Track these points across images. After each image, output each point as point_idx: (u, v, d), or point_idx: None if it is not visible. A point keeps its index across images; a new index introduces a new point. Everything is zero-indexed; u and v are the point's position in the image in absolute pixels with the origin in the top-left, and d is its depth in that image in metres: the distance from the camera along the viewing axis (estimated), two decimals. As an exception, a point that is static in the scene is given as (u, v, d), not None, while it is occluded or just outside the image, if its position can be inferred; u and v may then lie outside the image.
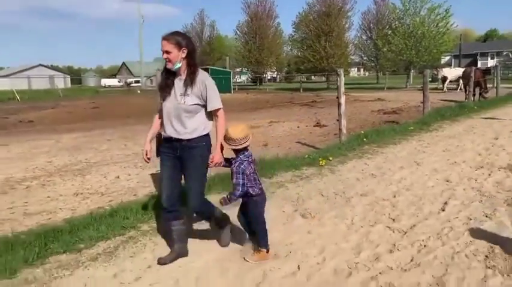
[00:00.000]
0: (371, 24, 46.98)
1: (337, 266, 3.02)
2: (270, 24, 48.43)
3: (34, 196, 5.49)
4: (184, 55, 3.00)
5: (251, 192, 3.04)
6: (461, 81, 22.75)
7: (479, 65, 50.19)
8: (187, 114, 3.02)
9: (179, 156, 3.10)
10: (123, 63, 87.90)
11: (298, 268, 3.03)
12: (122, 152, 8.60)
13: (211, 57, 56.84)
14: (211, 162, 3.05)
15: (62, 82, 63.65)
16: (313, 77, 63.18)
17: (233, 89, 39.20)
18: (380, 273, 2.89)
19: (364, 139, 7.65)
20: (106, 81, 69.97)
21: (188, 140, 3.05)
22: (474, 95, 15.59)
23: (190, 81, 3.01)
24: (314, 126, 11.63)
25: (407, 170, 5.65)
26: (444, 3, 31.63)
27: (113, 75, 79.46)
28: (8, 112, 22.03)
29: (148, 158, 3.21)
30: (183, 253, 3.25)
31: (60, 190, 5.74)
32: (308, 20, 43.11)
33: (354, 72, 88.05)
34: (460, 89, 22.32)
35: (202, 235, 3.66)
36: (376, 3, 46.95)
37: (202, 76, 3.06)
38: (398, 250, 3.25)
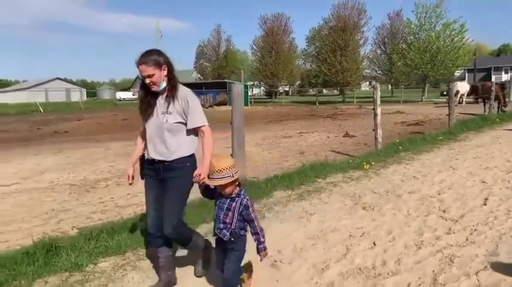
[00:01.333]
0: (385, 39, 47.82)
1: (406, 243, 3.72)
2: (285, 39, 49.60)
3: (115, 193, 6.28)
4: (165, 73, 2.86)
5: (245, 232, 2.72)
6: (464, 95, 23.55)
7: (493, 79, 50.53)
8: (169, 134, 2.86)
9: (162, 178, 2.94)
10: (137, 77, 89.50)
11: (374, 244, 3.73)
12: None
13: (226, 71, 58.21)
14: (199, 175, 2.74)
15: (78, 95, 65.30)
16: (324, 90, 64.08)
17: (249, 101, 40.07)
18: (443, 248, 3.58)
19: (400, 147, 8.36)
20: (121, 95, 71.54)
21: (170, 161, 2.87)
22: (493, 108, 16.17)
23: (172, 96, 2.86)
24: (343, 136, 12.34)
25: (445, 174, 6.33)
26: (459, 19, 32.43)
27: (126, 89, 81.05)
28: (38, 123, 23.11)
29: (130, 183, 3.11)
30: (172, 282, 3.07)
31: (135, 189, 6.51)
32: (323, 35, 44.19)
33: (365, 85, 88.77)
34: (459, 102, 23.10)
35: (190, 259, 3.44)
36: (391, 18, 47.87)
37: (184, 92, 2.90)
38: (454, 232, 3.93)
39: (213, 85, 38.63)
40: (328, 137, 12.49)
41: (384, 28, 48.58)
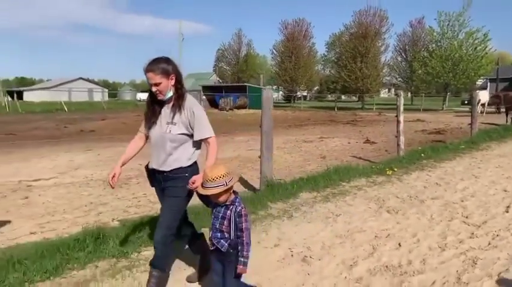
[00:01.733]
0: (406, 46, 47.59)
1: (430, 245, 3.90)
2: (305, 44, 49.80)
3: (147, 190, 6.53)
4: (173, 82, 2.80)
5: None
6: (485, 105, 23.32)
7: (516, 89, 49.69)
8: (172, 145, 2.80)
9: (163, 188, 2.91)
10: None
11: (399, 245, 3.93)
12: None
13: (246, 75, 58.75)
14: (192, 183, 2.68)
15: (100, 95, 66.56)
16: (342, 96, 63.99)
17: (269, 106, 40.28)
18: (466, 251, 3.75)
19: (422, 155, 8.49)
20: (141, 96, 72.61)
21: (169, 171, 2.83)
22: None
23: (178, 106, 2.80)
24: (364, 142, 12.49)
25: (467, 181, 6.46)
26: (482, 28, 32.14)
27: (147, 90, 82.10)
28: (63, 122, 23.78)
29: (113, 187, 2.96)
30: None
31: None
32: (344, 41, 44.23)
33: (384, 93, 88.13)
34: (481, 112, 22.92)
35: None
36: (412, 25, 47.64)
37: (190, 103, 2.84)
38: (476, 237, 4.10)
39: (233, 88, 39.02)
40: (348, 142, 12.65)
41: (405, 35, 48.47)
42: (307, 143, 12.63)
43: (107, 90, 78.16)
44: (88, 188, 6.83)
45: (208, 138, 2.84)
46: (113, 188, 2.97)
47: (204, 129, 2.82)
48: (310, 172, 7.30)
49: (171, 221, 2.84)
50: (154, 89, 2.75)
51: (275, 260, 3.61)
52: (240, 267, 2.44)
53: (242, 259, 2.44)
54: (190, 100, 2.85)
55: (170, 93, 2.80)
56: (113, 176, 2.89)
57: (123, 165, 3.00)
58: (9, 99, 45.16)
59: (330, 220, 4.68)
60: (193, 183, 2.68)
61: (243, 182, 6.94)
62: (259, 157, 5.91)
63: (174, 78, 2.79)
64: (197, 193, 2.65)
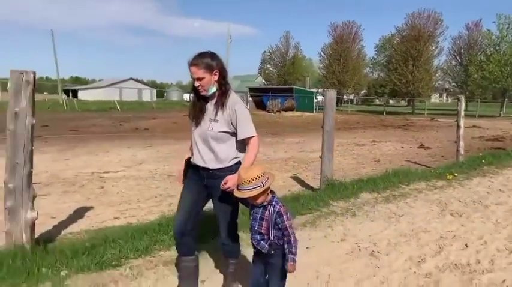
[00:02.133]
0: (462, 50, 45.78)
1: (498, 247, 3.93)
2: (354, 47, 49.18)
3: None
4: (217, 78, 2.72)
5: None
6: None
7: None
8: (215, 142, 2.74)
9: (206, 185, 2.83)
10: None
11: (466, 246, 3.99)
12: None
13: (292, 77, 58.82)
14: (224, 183, 2.63)
15: (148, 95, 68.71)
16: (391, 100, 62.47)
17: (314, 108, 40.05)
18: (537, 254, 3.75)
19: (483, 161, 8.32)
20: (188, 96, 74.37)
21: (215, 169, 2.76)
22: None
23: (221, 103, 2.72)
24: (418, 147, 12.30)
25: (533, 189, 6.30)
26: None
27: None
28: (118, 120, 24.93)
29: (181, 182, 3.01)
30: None
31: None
32: (395, 44, 43.27)
33: (435, 98, 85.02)
34: None
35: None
36: (469, 28, 45.75)
37: (233, 100, 2.75)
38: (547, 242, 4.07)
39: (279, 90, 39.20)
40: (402, 147, 12.51)
41: (460, 38, 46.68)
42: (359, 147, 12.62)
43: (155, 90, 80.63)
44: (155, 181, 7.30)
45: (250, 137, 2.73)
46: (182, 184, 3.01)
47: (247, 128, 2.72)
48: (366, 174, 7.39)
49: (233, 221, 2.86)
50: (196, 83, 2.70)
51: (343, 253, 3.79)
52: (290, 264, 2.37)
53: (291, 256, 2.37)
54: (233, 98, 2.76)
55: (213, 89, 2.73)
56: (180, 177, 3.00)
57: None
58: (66, 97, 47.85)
59: (392, 220, 4.79)
60: (225, 183, 2.63)
61: (299, 181, 7.16)
62: (320, 157, 6.09)
63: (218, 74, 2.71)
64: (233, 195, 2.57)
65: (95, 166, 8.68)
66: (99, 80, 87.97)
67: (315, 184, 6.64)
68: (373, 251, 3.83)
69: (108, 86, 70.07)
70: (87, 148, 11.86)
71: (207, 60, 2.67)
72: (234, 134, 2.74)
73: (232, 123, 2.70)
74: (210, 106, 2.76)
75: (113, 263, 3.40)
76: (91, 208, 5.38)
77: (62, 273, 3.16)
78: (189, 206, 2.86)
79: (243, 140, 2.74)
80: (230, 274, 3.05)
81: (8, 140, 3.24)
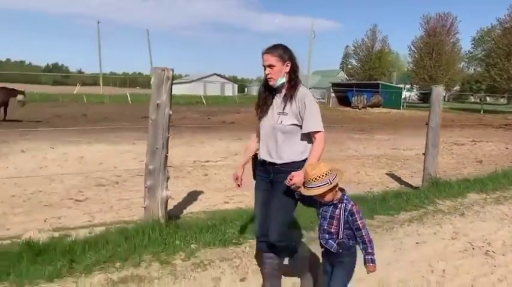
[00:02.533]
0: None
1: None
2: (448, 40, 45.94)
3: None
4: (288, 69, 2.71)
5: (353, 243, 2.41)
6: None
7: None
8: (284, 136, 2.69)
9: (272, 180, 2.80)
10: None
11: None
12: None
13: (377, 72, 56.59)
14: (290, 180, 2.54)
15: (230, 90, 70.60)
16: (488, 98, 57.30)
17: (402, 105, 38.22)
18: None
19: None
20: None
21: (281, 164, 2.71)
22: None
23: (290, 96, 2.70)
24: (526, 148, 11.32)
25: None
26: None
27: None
28: (205, 113, 26.15)
29: (239, 184, 2.97)
30: None
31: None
32: (495, 36, 39.67)
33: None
34: None
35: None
36: None
37: (303, 93, 2.72)
38: None
39: (364, 86, 37.98)
40: (506, 147, 11.61)
41: None
42: (458, 146, 11.94)
43: (237, 85, 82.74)
44: (251, 171, 7.68)
45: (316, 132, 2.67)
46: (239, 187, 3.00)
47: (314, 122, 2.66)
48: (469, 175, 7.06)
49: (282, 218, 2.73)
50: (267, 71, 2.69)
51: (456, 250, 3.75)
52: (369, 266, 2.31)
53: (370, 257, 2.31)
54: (303, 91, 2.73)
55: (283, 80, 2.71)
56: (237, 178, 2.96)
57: (245, 164, 3.01)
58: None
59: (505, 221, 4.60)
60: (290, 179, 2.54)
61: (396, 178, 7.07)
62: (423, 154, 5.96)
63: (289, 65, 2.71)
64: (296, 195, 2.55)
65: (194, 155, 9.34)
66: (185, 76, 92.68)
67: (414, 182, 6.51)
68: (487, 250, 3.74)
69: (195, 81, 73.63)
70: (184, 139, 12.70)
71: (280, 51, 2.71)
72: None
73: (300, 116, 2.67)
74: (278, 99, 2.74)
75: (233, 241, 3.75)
76: (201, 192, 5.87)
77: (192, 246, 3.58)
78: (263, 207, 2.84)
79: (310, 136, 2.70)
80: (276, 274, 2.90)
81: (149, 129, 3.73)
